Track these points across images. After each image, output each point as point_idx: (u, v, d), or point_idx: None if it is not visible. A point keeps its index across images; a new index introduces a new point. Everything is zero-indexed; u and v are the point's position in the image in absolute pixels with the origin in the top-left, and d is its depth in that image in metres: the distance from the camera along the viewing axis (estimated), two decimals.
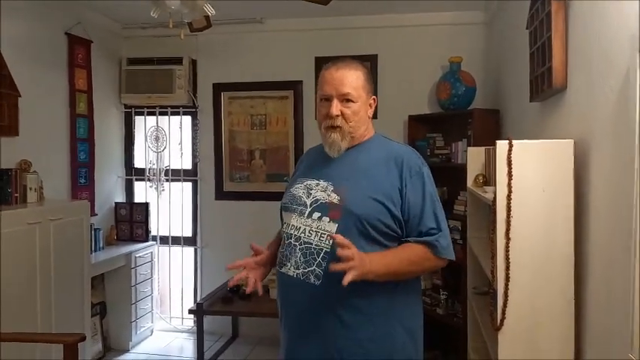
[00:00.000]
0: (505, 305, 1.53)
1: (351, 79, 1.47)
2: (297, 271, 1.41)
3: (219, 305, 3.58)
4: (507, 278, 1.54)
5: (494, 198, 1.62)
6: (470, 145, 2.95)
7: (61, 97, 3.45)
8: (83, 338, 2.27)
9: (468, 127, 3.20)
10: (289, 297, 1.46)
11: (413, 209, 1.42)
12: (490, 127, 3.12)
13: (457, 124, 3.38)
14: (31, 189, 3.00)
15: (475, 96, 3.40)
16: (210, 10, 2.19)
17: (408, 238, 1.42)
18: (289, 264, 1.44)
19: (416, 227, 1.42)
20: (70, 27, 3.47)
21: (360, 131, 1.51)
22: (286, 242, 1.46)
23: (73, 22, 3.48)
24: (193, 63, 4.02)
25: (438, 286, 3.37)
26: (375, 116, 3.85)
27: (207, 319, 3.52)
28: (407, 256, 1.39)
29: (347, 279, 1.21)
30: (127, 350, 3.69)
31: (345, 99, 1.46)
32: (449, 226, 3.19)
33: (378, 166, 1.47)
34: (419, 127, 3.63)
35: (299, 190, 1.50)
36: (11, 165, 2.92)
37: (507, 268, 1.54)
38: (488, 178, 2.45)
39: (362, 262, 1.25)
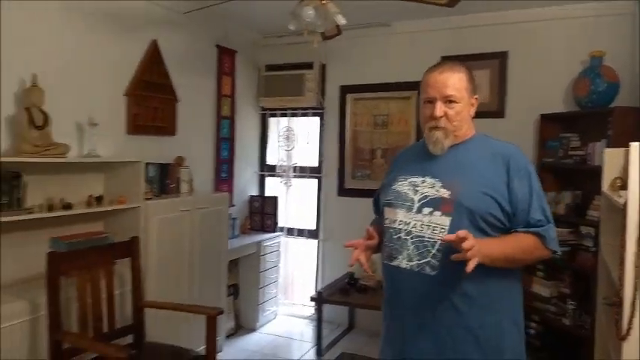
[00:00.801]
0: (632, 315, 1.44)
1: (454, 80, 1.53)
2: (410, 263, 1.50)
3: (338, 295, 3.78)
4: (635, 286, 1.45)
5: (626, 202, 1.52)
6: (609, 146, 2.72)
7: (210, 101, 3.94)
8: (221, 312, 2.61)
9: (607, 127, 2.95)
10: (403, 289, 1.54)
11: (521, 203, 1.47)
12: (633, 127, 2.84)
13: (595, 123, 3.13)
14: (183, 181, 3.50)
15: (617, 93, 3.12)
16: (341, 20, 2.36)
17: (518, 229, 1.48)
18: (400, 257, 1.52)
19: (524, 219, 1.47)
20: (219, 39, 3.95)
21: (462, 130, 1.56)
22: (394, 237, 1.54)
23: (221, 34, 3.95)
24: (322, 67, 4.28)
25: (565, 294, 3.16)
26: (501, 115, 3.75)
27: (326, 308, 3.75)
28: (519, 243, 1.46)
29: (470, 267, 1.29)
30: (254, 330, 4.08)
31: (449, 100, 1.52)
32: (580, 232, 3.01)
33: (483, 162, 1.52)
34: (552, 127, 3.43)
35: (403, 187, 1.58)
36: (169, 160, 3.43)
37: (637, 275, 1.45)
38: (626, 182, 2.26)
39: (480, 248, 1.32)
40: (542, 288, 3.28)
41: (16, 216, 2.29)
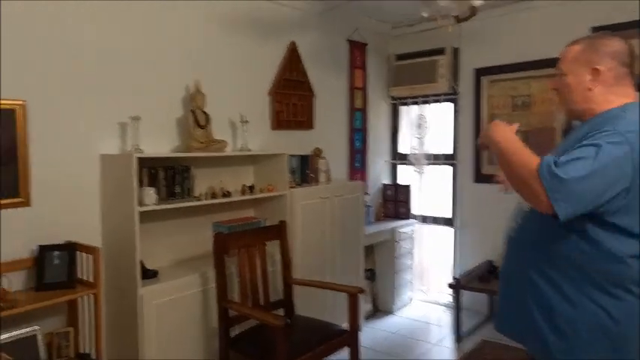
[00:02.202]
0: None
1: (566, 54, 1.54)
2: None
3: (477, 283, 3.71)
4: None
5: None
6: None
7: (343, 95, 4.13)
8: (362, 291, 2.77)
9: None
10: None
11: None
12: None
13: None
14: (321, 171, 3.73)
15: None
16: (477, 1, 2.32)
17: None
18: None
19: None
20: (350, 34, 4.11)
21: (578, 105, 1.49)
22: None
23: (352, 29, 4.11)
24: (455, 51, 4.19)
25: None
26: None
27: (464, 296, 3.70)
28: (518, 149, 1.35)
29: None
30: (391, 313, 4.20)
31: (560, 73, 1.53)
32: None
33: (578, 134, 1.43)
34: None
35: None
36: (308, 152, 3.69)
37: None
38: None
39: (489, 128, 1.50)
40: None
41: (187, 202, 2.70)
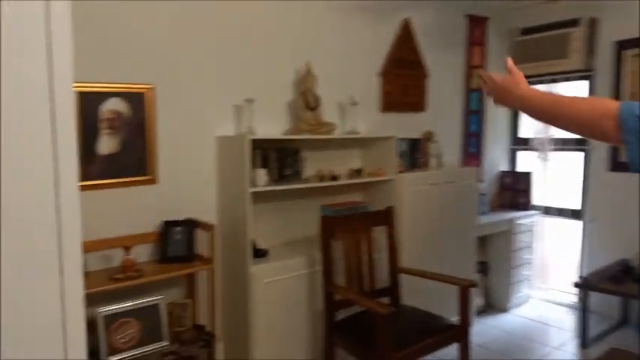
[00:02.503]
0: None
1: None
2: None
3: (608, 283, 3.29)
4: None
5: None
6: None
7: (458, 74, 3.87)
8: (474, 285, 2.59)
9: None
10: None
11: None
12: None
13: None
14: (432, 156, 3.55)
15: None
16: None
17: None
18: None
19: None
20: (469, 8, 3.82)
21: None
22: None
23: (471, 3, 3.81)
24: (592, 22, 3.69)
25: None
26: None
27: (592, 297, 3.31)
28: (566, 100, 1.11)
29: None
30: (504, 310, 3.91)
31: None
32: None
33: None
34: None
35: None
36: (419, 135, 3.53)
37: None
38: None
39: (498, 92, 1.24)
40: None
41: (296, 185, 2.72)
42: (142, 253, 2.45)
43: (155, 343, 2.30)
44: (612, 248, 3.58)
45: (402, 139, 3.34)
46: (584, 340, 3.27)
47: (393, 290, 2.81)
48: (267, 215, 2.88)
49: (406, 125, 3.48)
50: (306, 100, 2.83)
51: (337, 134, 3.03)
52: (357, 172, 3.02)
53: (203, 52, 2.59)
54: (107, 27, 2.29)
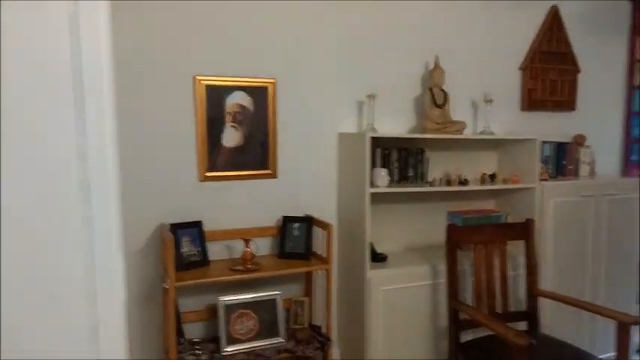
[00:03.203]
0: None
1: None
2: None
3: None
4: None
5: None
6: None
7: (619, 69, 3.29)
8: (637, 322, 2.09)
9: None
10: None
11: None
12: None
13: None
14: (583, 163, 3.05)
15: None
16: None
17: None
18: None
19: None
20: None
21: None
22: None
23: None
24: None
25: None
26: None
27: None
28: None
29: None
30: None
31: None
32: None
33: None
34: None
35: None
36: (567, 139, 3.06)
37: None
38: None
39: None
40: None
41: (419, 188, 2.49)
42: (262, 247, 2.43)
43: (272, 338, 2.28)
44: None
45: (547, 142, 2.91)
46: None
47: (530, 316, 2.41)
48: (388, 218, 2.70)
49: (552, 127, 3.04)
50: (433, 96, 2.60)
51: (468, 134, 2.74)
52: (491, 178, 2.69)
53: (325, 46, 2.51)
54: (229, 24, 2.32)
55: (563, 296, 2.42)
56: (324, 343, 2.29)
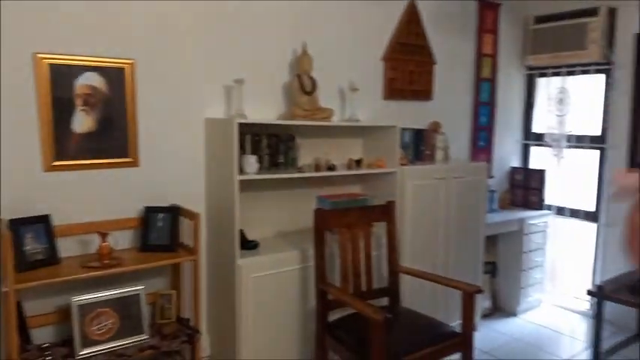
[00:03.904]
0: None
1: None
2: None
3: (625, 293, 3.04)
4: None
5: None
6: None
7: (468, 63, 3.64)
8: (480, 291, 2.36)
9: None
10: None
11: None
12: None
13: None
14: (439, 148, 3.33)
15: None
16: None
17: None
18: None
19: None
20: None
21: None
22: None
23: None
24: (611, 12, 3.45)
25: None
26: None
27: (608, 306, 3.06)
28: None
29: None
30: (514, 314, 3.67)
31: None
32: None
33: None
34: None
35: None
36: (424, 126, 3.31)
37: None
38: None
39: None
40: None
41: (290, 174, 2.51)
42: (122, 240, 2.27)
43: (134, 335, 2.16)
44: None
45: (406, 129, 3.12)
46: (597, 353, 3.02)
47: (392, 291, 2.60)
48: (259, 205, 2.69)
49: (411, 114, 3.27)
50: (301, 83, 2.63)
51: (335, 121, 2.83)
52: (357, 163, 2.81)
53: (191, 26, 2.40)
54: None
55: (420, 271, 2.65)
56: (191, 335, 2.22)
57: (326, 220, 2.39)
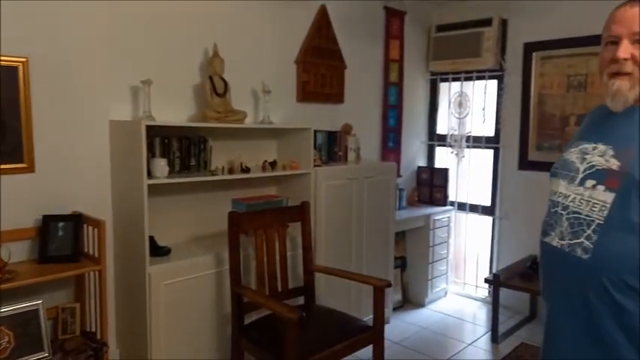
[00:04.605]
0: None
1: None
2: (561, 242, 1.23)
3: (517, 280, 3.38)
4: None
5: None
6: None
7: (377, 67, 3.80)
8: (389, 285, 2.49)
9: None
10: (553, 269, 1.29)
11: None
12: None
13: None
14: (351, 149, 3.45)
15: None
16: None
17: None
18: (553, 233, 1.26)
19: None
20: (389, 1, 3.76)
21: None
22: (552, 210, 1.29)
23: None
24: (503, 23, 3.78)
25: None
26: None
27: (503, 293, 3.38)
28: None
29: None
30: (422, 305, 3.91)
31: (638, 40, 1.16)
32: None
33: None
34: None
35: (572, 155, 1.28)
36: (337, 128, 3.41)
37: None
38: None
39: None
40: None
41: (202, 177, 2.48)
42: (18, 252, 2.10)
43: (33, 354, 2.01)
44: (522, 245, 3.68)
45: (320, 131, 3.20)
46: (495, 335, 3.32)
47: (307, 290, 2.65)
48: (172, 210, 2.61)
49: (324, 117, 3.35)
50: (213, 85, 2.59)
51: (249, 123, 2.82)
52: (271, 165, 2.83)
53: (94, 23, 2.27)
54: None
55: (334, 269, 2.73)
56: (98, 349, 2.11)
57: (240, 222, 2.38)
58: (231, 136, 2.81)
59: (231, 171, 2.62)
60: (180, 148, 2.50)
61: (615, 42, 1.20)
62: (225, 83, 2.64)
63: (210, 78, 2.60)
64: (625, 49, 1.17)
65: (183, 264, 2.36)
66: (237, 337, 2.32)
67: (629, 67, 1.18)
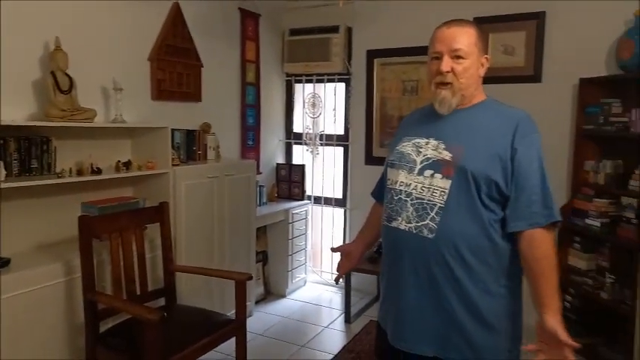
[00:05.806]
0: None
1: (463, 36, 1.47)
2: (409, 225, 1.47)
3: (366, 264, 3.76)
4: None
5: None
6: None
7: (235, 67, 3.87)
8: (250, 278, 2.60)
9: None
10: (401, 249, 1.51)
11: (522, 179, 1.41)
12: None
13: (639, 88, 2.93)
14: (210, 148, 3.48)
15: None
16: None
17: (520, 228, 1.41)
18: (400, 218, 1.50)
19: (525, 203, 1.40)
20: (242, 2, 3.85)
21: (470, 90, 1.50)
22: (395, 198, 1.53)
23: None
24: (348, 30, 4.14)
25: (603, 268, 3.04)
26: (538, 80, 3.53)
27: (354, 277, 3.73)
28: (551, 271, 1.39)
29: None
30: (283, 296, 4.11)
31: (456, 55, 1.46)
32: (621, 203, 2.87)
33: (490, 127, 1.46)
34: (592, 92, 3.21)
35: (407, 148, 1.55)
36: (195, 127, 3.41)
37: None
38: None
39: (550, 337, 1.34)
40: (578, 261, 3.15)
41: (46, 180, 2.30)
42: None
43: None
44: None
45: (177, 130, 3.17)
46: (348, 316, 3.67)
47: (168, 291, 2.64)
48: (12, 217, 2.38)
49: (182, 116, 3.32)
50: (56, 81, 2.42)
51: (100, 122, 2.69)
52: (126, 165, 2.74)
53: None
54: None
55: (194, 267, 2.76)
56: None
57: (92, 227, 2.28)
58: (80, 135, 2.65)
59: (80, 172, 2.48)
60: (19, 149, 2.29)
61: (439, 57, 1.49)
62: (71, 79, 2.48)
63: (53, 73, 2.42)
64: (446, 64, 1.47)
65: (24, 275, 2.16)
66: (92, 347, 2.22)
67: (450, 78, 1.47)
